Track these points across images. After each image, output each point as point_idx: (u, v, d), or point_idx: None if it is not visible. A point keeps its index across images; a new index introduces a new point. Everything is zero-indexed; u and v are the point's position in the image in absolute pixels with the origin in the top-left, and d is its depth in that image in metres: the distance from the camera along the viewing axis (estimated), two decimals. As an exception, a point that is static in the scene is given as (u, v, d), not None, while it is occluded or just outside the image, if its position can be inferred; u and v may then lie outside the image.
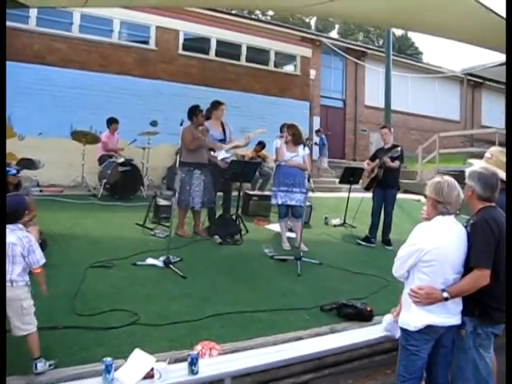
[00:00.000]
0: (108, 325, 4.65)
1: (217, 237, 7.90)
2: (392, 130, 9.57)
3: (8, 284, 3.68)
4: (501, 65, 17.56)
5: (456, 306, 3.53)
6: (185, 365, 3.78)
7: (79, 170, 10.86)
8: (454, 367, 3.65)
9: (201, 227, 8.30)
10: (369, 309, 5.63)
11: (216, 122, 8.45)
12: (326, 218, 10.31)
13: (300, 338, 4.91)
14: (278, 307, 5.67)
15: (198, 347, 4.20)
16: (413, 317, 3.54)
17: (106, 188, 10.18)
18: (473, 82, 25.16)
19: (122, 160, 10.32)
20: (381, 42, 41.13)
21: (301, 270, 6.90)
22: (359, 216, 9.90)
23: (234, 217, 8.46)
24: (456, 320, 3.53)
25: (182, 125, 7.04)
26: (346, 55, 21.24)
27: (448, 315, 3.51)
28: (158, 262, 6.44)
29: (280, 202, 7.95)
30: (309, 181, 7.53)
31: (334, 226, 10.13)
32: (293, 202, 7.89)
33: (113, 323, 4.69)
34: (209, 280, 6.26)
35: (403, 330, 3.65)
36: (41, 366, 3.71)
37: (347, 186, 10.95)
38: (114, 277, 5.89)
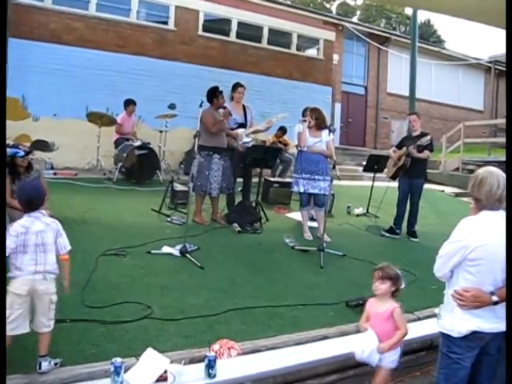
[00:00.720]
0: (120, 318, 4.35)
1: (236, 225, 7.56)
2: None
3: (40, 277, 3.46)
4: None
5: (505, 309, 3.14)
6: (201, 367, 3.45)
7: (94, 153, 10.56)
8: (500, 378, 3.27)
9: (219, 214, 7.97)
10: (398, 306, 5.28)
11: (237, 105, 8.09)
12: (348, 207, 9.92)
13: (325, 337, 4.58)
14: (301, 302, 5.35)
15: (216, 346, 3.87)
16: (457, 321, 3.17)
17: (122, 172, 9.89)
18: (498, 71, 24.46)
19: (138, 143, 10.03)
20: (402, 29, 40.38)
21: (324, 262, 6.55)
22: (382, 206, 9.50)
23: (253, 204, 8.12)
24: (504, 326, 3.14)
25: (201, 106, 6.70)
26: (369, 40, 20.71)
27: (496, 320, 3.12)
28: (174, 251, 6.12)
29: (302, 190, 7.58)
30: (334, 168, 7.12)
31: (357, 215, 9.75)
32: (316, 191, 7.53)
33: (125, 317, 4.39)
34: (227, 271, 5.95)
35: (445, 336, 3.28)
36: (45, 365, 3.42)
37: (369, 175, 10.56)
38: (127, 266, 5.59)
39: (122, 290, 4.95)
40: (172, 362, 3.41)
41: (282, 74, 14.67)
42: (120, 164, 9.75)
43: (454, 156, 16.57)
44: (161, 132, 11.05)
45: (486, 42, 55.38)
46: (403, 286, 3.87)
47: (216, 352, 3.74)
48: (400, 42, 21.80)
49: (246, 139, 7.96)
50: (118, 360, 3.16)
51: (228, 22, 13.95)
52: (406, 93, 19.59)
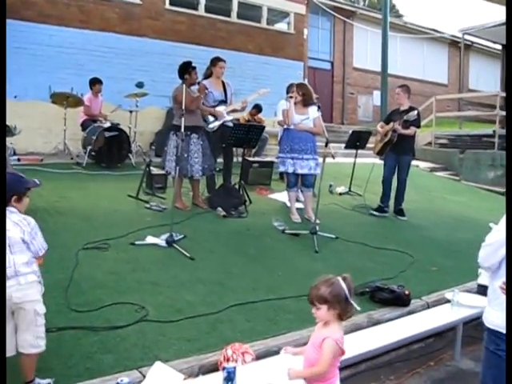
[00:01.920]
0: (112, 323, 3.84)
1: (220, 209, 7.10)
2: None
3: (13, 282, 2.84)
4: (501, 25, 16.84)
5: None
6: (217, 378, 2.99)
7: (60, 137, 9.87)
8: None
9: (201, 198, 7.49)
10: (407, 292, 5.03)
11: (216, 81, 7.58)
12: (330, 185, 9.53)
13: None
14: (303, 292, 4.85)
15: (229, 352, 3.41)
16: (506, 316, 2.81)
17: (92, 156, 9.26)
18: (462, 45, 24.34)
19: (108, 125, 9.40)
20: (361, 4, 40.14)
21: (318, 246, 6.17)
22: (364, 183, 9.18)
23: (236, 186, 7.67)
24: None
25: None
26: (335, 14, 20.30)
27: (550, 314, 2.77)
28: (160, 241, 5.62)
29: (290, 171, 7.15)
30: (326, 146, 6.68)
31: (340, 194, 9.43)
32: (305, 170, 7.12)
33: (117, 321, 3.88)
34: (220, 260, 5.51)
35: (492, 332, 2.92)
36: (37, 389, 2.90)
37: (342, 151, 10.32)
38: (111, 260, 5.07)
39: (110, 288, 4.44)
40: (185, 377, 2.94)
41: (253, 50, 14.18)
42: (89, 147, 9.12)
43: (426, 130, 16.39)
44: (131, 112, 10.43)
45: (448, 16, 56.09)
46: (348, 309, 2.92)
47: (229, 359, 3.30)
48: (365, 15, 21.62)
49: (226, 117, 7.50)
50: (125, 380, 2.68)
51: (196, -6, 13.29)
52: (372, 67, 19.40)
